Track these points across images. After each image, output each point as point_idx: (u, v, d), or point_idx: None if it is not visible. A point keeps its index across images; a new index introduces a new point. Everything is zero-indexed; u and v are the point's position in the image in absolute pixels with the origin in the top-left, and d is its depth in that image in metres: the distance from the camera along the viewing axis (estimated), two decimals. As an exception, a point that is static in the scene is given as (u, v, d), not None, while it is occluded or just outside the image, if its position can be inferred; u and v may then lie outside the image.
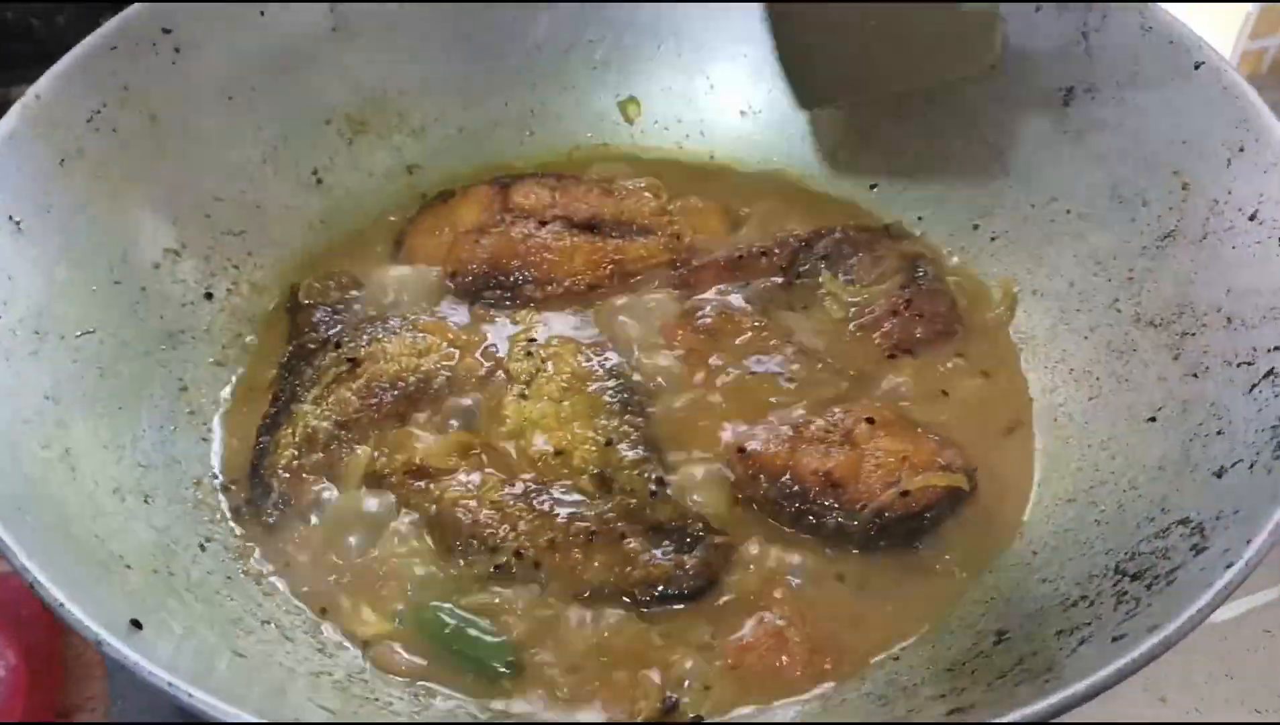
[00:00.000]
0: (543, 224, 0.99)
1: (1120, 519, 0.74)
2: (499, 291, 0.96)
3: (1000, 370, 0.92)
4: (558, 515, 0.79)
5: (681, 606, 0.77)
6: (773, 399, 0.88)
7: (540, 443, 0.84)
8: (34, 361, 0.76)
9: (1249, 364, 0.74)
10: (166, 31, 0.93)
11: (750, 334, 0.93)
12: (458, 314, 0.95)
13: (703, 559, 0.77)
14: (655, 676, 0.73)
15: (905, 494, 0.79)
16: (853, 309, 0.95)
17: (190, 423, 0.86)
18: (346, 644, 0.74)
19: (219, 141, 0.96)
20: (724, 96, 1.12)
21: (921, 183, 1.04)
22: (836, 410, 0.86)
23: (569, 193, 1.02)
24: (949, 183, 1.03)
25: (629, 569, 0.77)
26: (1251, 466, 0.67)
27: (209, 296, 0.93)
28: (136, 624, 0.60)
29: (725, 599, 0.77)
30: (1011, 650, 0.67)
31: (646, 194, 1.03)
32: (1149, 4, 0.90)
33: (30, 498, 0.66)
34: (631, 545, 0.78)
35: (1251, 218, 0.80)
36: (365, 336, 0.89)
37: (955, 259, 1.00)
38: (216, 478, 0.83)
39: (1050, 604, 0.70)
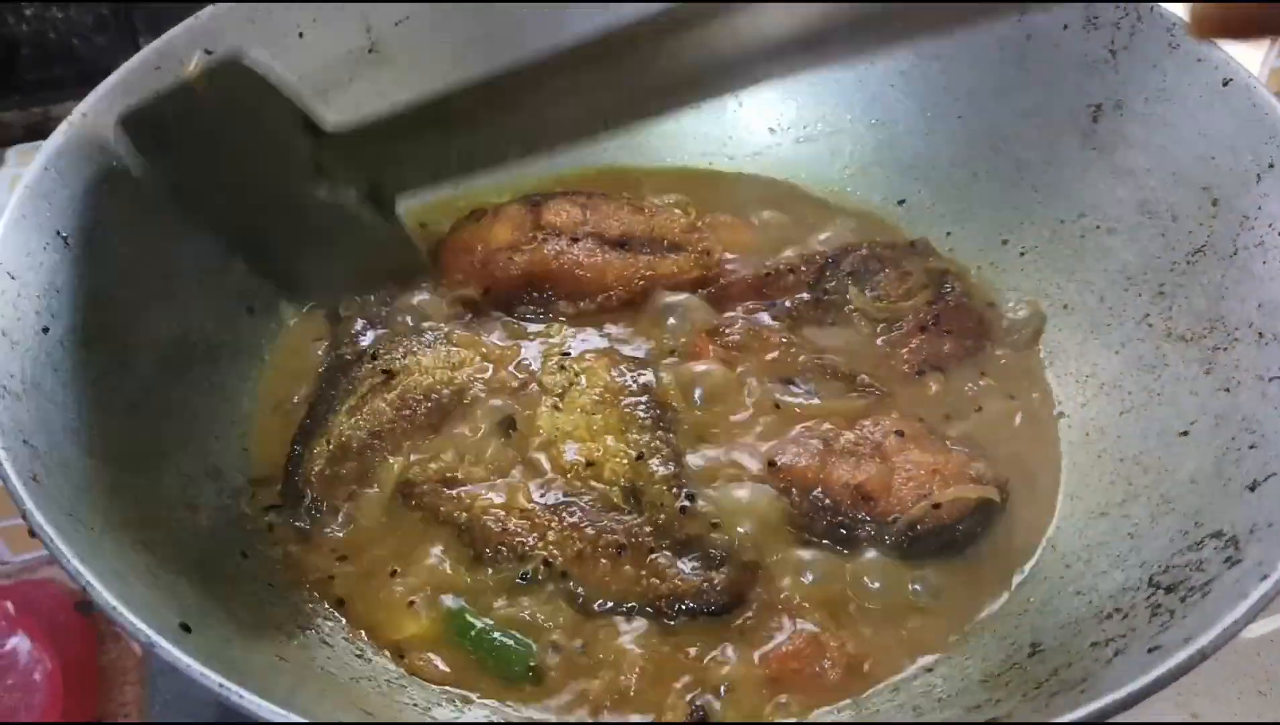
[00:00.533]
0: (575, 241, 1.00)
1: (1153, 532, 0.74)
2: (533, 307, 0.98)
3: (1027, 392, 0.92)
4: (587, 527, 0.80)
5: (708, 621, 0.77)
6: (800, 412, 0.89)
7: (572, 454, 0.85)
8: (82, 373, 0.77)
9: (1281, 378, 0.74)
10: (208, 53, 0.95)
11: (778, 350, 0.94)
12: (492, 328, 0.96)
13: (730, 577, 0.78)
14: (682, 686, 0.74)
15: (937, 506, 0.80)
16: (880, 325, 0.96)
17: (232, 434, 0.87)
18: (383, 650, 0.75)
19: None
20: (752, 114, 1.13)
21: (951, 199, 1.05)
22: (866, 423, 0.86)
23: (600, 211, 1.04)
24: (978, 199, 1.03)
25: (656, 582, 0.77)
26: (1286, 480, 0.67)
27: (250, 310, 0.94)
28: (185, 627, 0.61)
29: (754, 609, 0.78)
30: (1046, 662, 0.67)
31: (676, 211, 1.05)
32: (1177, 22, 0.90)
33: (80, 506, 0.68)
34: (659, 560, 0.78)
35: (1282, 233, 0.80)
36: (401, 349, 0.91)
37: (977, 275, 1.01)
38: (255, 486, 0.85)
39: (1084, 616, 0.70)
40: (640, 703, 0.73)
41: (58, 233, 0.81)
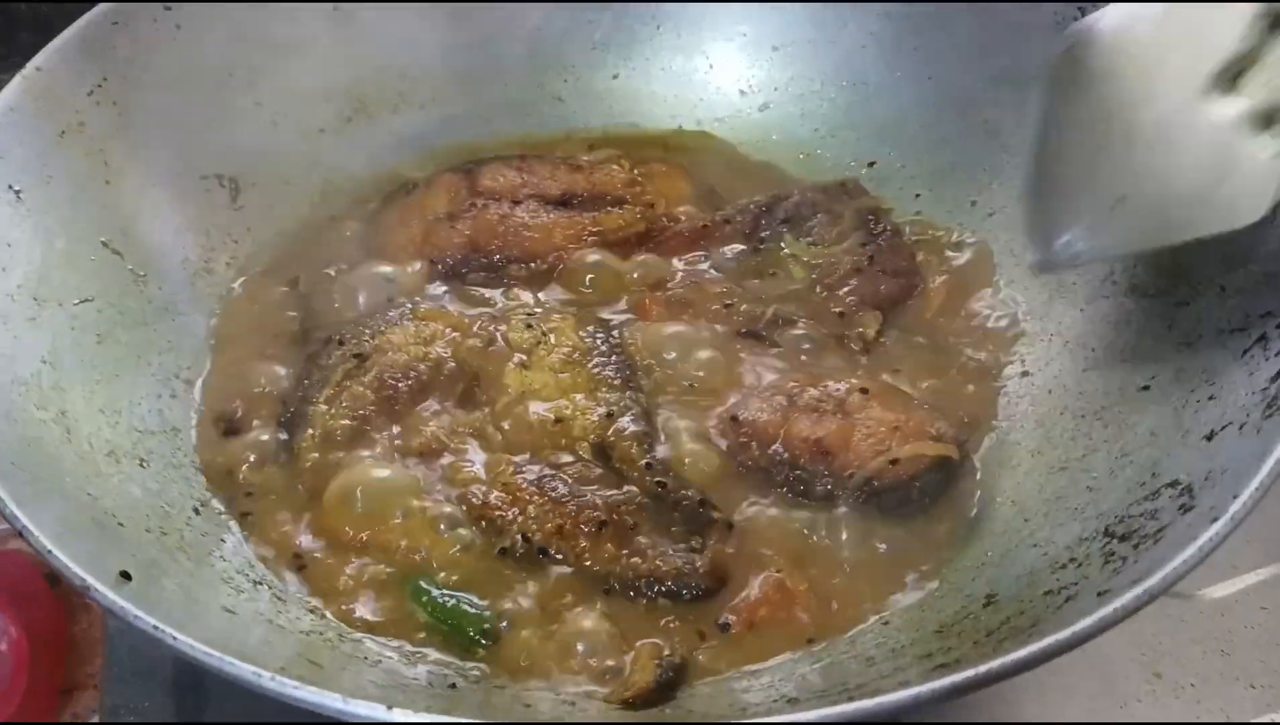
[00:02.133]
0: (516, 204, 1.00)
1: (1112, 484, 0.74)
2: (484, 273, 0.97)
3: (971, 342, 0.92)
4: (569, 503, 0.79)
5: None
6: (749, 366, 0.89)
7: (540, 410, 0.85)
8: (32, 327, 0.77)
9: (1241, 330, 0.74)
10: (168, 8, 0.94)
11: (720, 303, 0.94)
12: (449, 298, 0.95)
13: (710, 560, 0.76)
14: (649, 646, 0.73)
15: (895, 462, 0.79)
16: (817, 270, 0.96)
17: (187, 392, 0.86)
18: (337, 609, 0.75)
19: (219, 118, 0.97)
20: (723, 76, 1.12)
21: (921, 161, 1.04)
22: (830, 382, 0.86)
23: (537, 171, 1.03)
24: (948, 161, 1.03)
25: (636, 561, 0.76)
26: (1241, 428, 0.67)
27: (208, 270, 0.93)
28: (126, 575, 0.61)
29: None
30: (999, 611, 0.67)
31: (614, 166, 1.04)
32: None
33: (25, 456, 0.67)
34: (641, 540, 0.77)
35: (1246, 188, 0.79)
36: (368, 331, 0.89)
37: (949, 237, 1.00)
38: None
39: (1040, 567, 0.70)
40: (602, 667, 0.72)
41: (10, 186, 0.80)
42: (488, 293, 0.95)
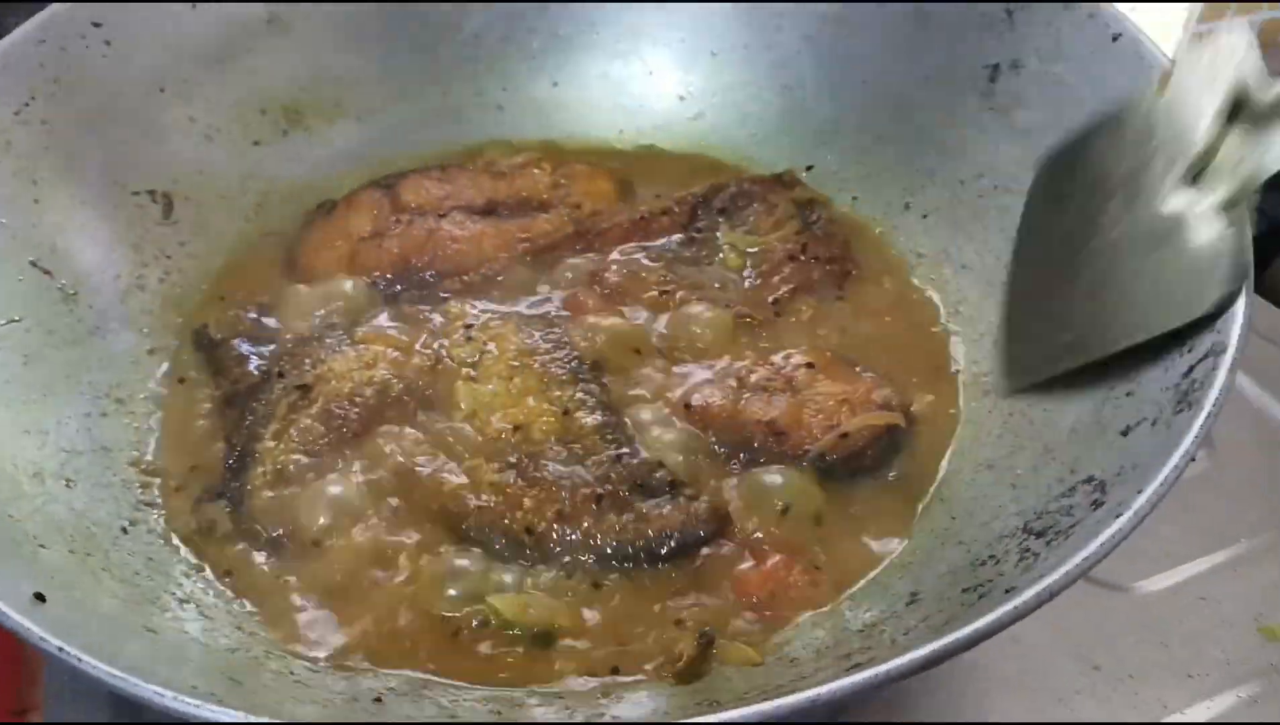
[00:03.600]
0: (442, 217, 0.99)
1: (1034, 482, 0.74)
2: (417, 290, 0.95)
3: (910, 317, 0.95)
4: (559, 486, 0.78)
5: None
6: (689, 353, 0.91)
7: (497, 422, 0.84)
8: (-42, 346, 0.76)
9: (1160, 326, 0.75)
10: (96, 25, 0.93)
11: (658, 291, 0.95)
12: (386, 319, 0.93)
13: (710, 503, 0.78)
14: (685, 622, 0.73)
15: (845, 436, 0.81)
16: (752, 258, 0.98)
17: (119, 411, 0.86)
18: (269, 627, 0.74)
19: (151, 133, 0.97)
20: (662, 82, 1.13)
21: (856, 163, 1.05)
22: (777, 358, 0.88)
23: (458, 182, 1.03)
24: (882, 162, 1.04)
25: (642, 524, 0.76)
26: (1154, 423, 0.67)
27: (140, 287, 0.93)
28: (40, 597, 0.60)
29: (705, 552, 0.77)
30: (919, 609, 0.68)
31: (535, 171, 1.04)
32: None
33: (-56, 480, 0.67)
34: (638, 504, 0.77)
35: (1168, 186, 0.80)
36: (308, 361, 0.87)
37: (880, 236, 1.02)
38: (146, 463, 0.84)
39: (961, 564, 0.70)
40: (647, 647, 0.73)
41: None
42: (424, 309, 0.94)
